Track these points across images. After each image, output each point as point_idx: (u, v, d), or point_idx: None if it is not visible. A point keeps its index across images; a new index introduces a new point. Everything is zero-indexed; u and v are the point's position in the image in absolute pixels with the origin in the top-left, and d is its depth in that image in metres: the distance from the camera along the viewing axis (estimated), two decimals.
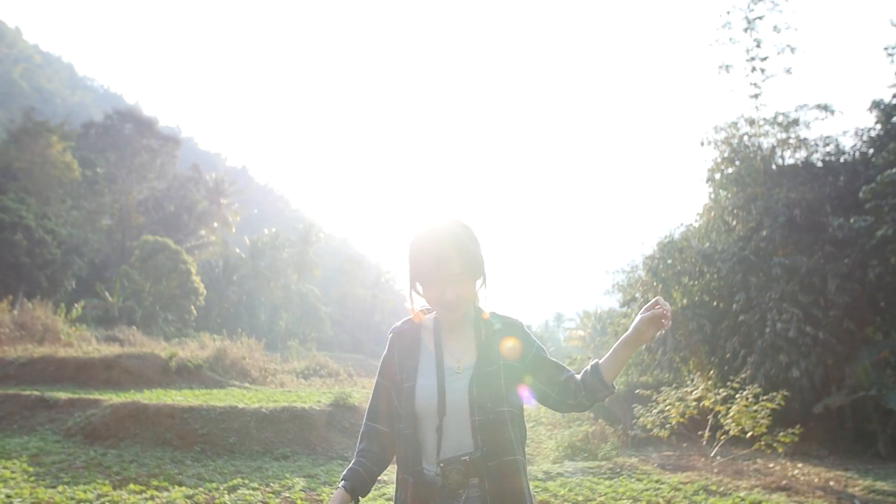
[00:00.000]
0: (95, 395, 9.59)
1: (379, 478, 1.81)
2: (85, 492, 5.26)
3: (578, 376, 1.78)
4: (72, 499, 5.01)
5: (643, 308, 1.66)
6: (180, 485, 5.91)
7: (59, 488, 5.39)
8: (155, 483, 5.86)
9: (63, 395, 9.38)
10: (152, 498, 5.26)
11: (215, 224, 48.23)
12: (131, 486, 5.64)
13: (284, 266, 54.02)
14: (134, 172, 44.50)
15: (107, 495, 5.22)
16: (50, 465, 6.43)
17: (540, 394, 1.78)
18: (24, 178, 28.70)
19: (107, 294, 28.85)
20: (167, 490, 5.63)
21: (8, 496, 4.93)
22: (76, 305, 22.53)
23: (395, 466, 1.80)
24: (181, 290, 32.43)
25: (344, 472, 1.76)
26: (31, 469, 6.18)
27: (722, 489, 6.36)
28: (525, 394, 1.78)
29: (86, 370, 11.91)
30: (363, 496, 1.75)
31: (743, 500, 5.90)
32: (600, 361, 1.75)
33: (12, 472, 5.96)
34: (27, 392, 9.58)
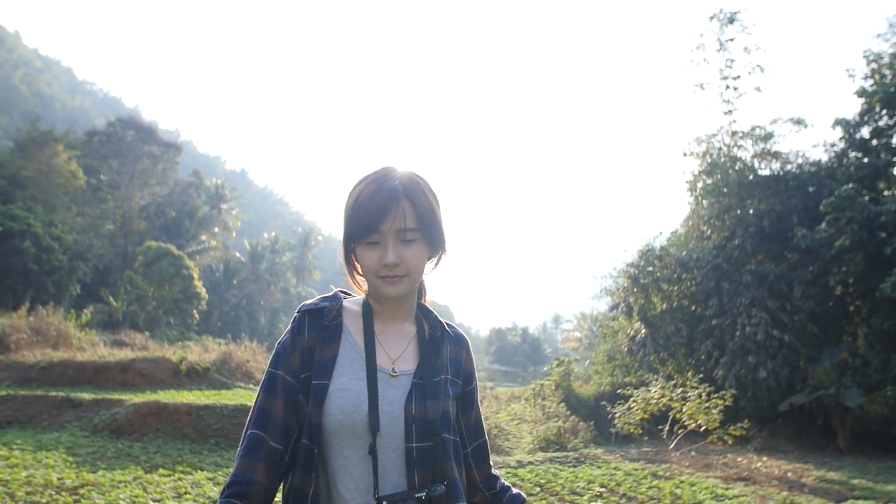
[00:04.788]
0: (115, 396, 10.44)
1: None
2: (123, 475, 6.12)
3: (496, 482, 1.42)
4: (112, 480, 5.87)
5: None
6: (201, 470, 6.78)
7: (100, 473, 6.25)
8: (180, 469, 6.73)
9: (87, 396, 10.22)
10: (180, 479, 6.13)
11: (216, 229, 49.02)
12: (160, 471, 6.51)
13: (284, 269, 54.91)
14: (136, 179, 45.23)
15: (142, 478, 6.09)
16: (85, 456, 7.27)
17: None
18: (32, 187, 29.49)
19: (111, 299, 29.62)
20: (191, 474, 6.50)
21: (59, 478, 5.80)
22: (85, 311, 23.36)
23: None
24: (184, 294, 33.24)
25: None
26: (69, 458, 7.02)
27: (668, 474, 7.24)
28: None
29: (103, 373, 12.75)
30: None
31: (682, 482, 6.78)
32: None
33: (54, 460, 6.81)
34: (53, 393, 10.42)
